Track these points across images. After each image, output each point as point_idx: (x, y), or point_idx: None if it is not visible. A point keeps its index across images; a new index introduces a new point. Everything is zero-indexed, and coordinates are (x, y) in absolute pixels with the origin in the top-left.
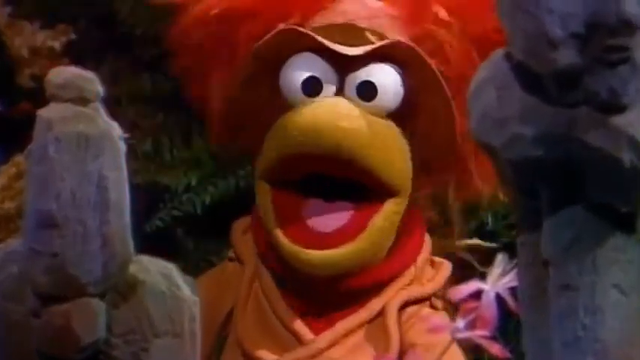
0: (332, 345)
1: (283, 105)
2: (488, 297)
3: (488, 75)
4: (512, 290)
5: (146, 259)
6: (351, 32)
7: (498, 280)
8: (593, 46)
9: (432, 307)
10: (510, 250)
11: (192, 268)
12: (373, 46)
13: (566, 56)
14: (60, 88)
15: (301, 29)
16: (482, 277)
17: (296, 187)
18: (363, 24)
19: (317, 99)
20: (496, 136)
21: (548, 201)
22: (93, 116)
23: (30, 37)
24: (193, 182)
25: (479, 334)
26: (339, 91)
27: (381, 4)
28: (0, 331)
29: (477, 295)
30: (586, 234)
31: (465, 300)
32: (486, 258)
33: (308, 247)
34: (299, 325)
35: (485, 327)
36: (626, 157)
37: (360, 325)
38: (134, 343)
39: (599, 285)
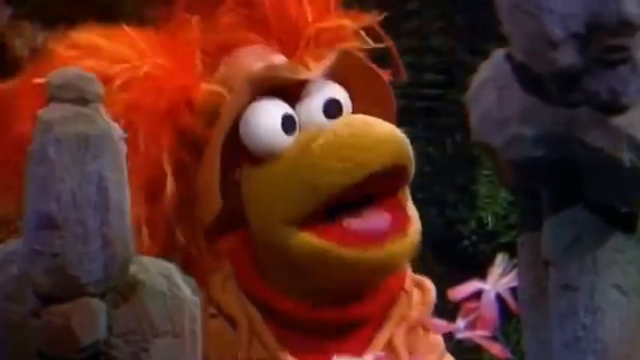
0: None
1: (248, 159)
2: (489, 297)
3: (489, 75)
4: (513, 290)
5: (146, 260)
6: (286, 67)
7: (499, 280)
8: (593, 46)
9: (424, 327)
10: (510, 250)
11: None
12: (327, 62)
13: (567, 56)
14: (60, 89)
15: (267, 72)
16: (483, 277)
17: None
18: (277, 61)
19: (292, 136)
20: (496, 136)
21: (548, 201)
22: (93, 117)
23: (30, 38)
24: None
25: (479, 334)
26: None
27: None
28: (0, 331)
29: (477, 295)
30: (586, 234)
31: (465, 300)
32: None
33: (367, 249)
34: None
35: (486, 327)
36: (626, 157)
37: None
38: (134, 343)
39: (599, 285)
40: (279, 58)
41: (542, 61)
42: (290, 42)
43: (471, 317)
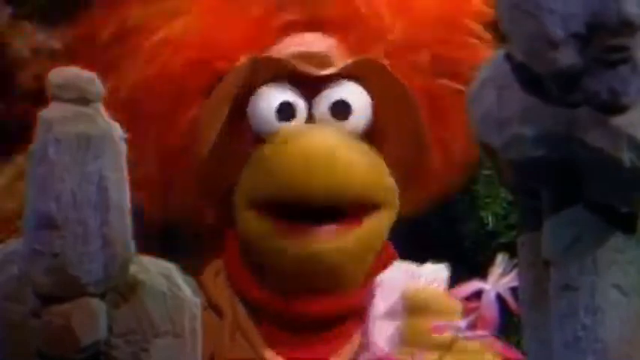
0: None
1: (251, 137)
2: (489, 297)
3: (489, 75)
4: (513, 290)
5: (146, 259)
6: (314, 57)
7: (499, 280)
8: (593, 46)
9: None
10: (510, 250)
11: (193, 268)
12: (346, 64)
13: (567, 56)
14: (60, 88)
15: (273, 56)
16: (483, 277)
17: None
18: (314, 49)
19: (291, 124)
20: (496, 136)
21: (548, 201)
22: (93, 116)
23: (30, 38)
24: None
25: (480, 334)
26: (309, 115)
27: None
28: (0, 331)
29: (478, 294)
30: (586, 234)
31: (465, 300)
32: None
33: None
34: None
35: (487, 327)
36: (627, 157)
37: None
38: (134, 343)
39: (600, 285)
40: (328, 46)
41: (542, 61)
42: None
43: (472, 317)
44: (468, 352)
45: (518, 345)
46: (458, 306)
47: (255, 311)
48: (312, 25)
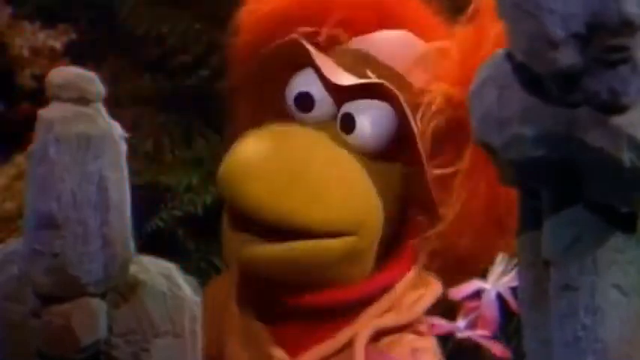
0: None
1: (284, 112)
2: (489, 296)
3: (489, 75)
4: (513, 290)
5: (146, 259)
6: (362, 62)
7: (499, 280)
8: (593, 46)
9: (416, 333)
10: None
11: (193, 268)
12: (360, 82)
13: (567, 56)
14: (61, 88)
15: (303, 43)
16: (483, 276)
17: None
18: (381, 58)
19: (309, 116)
20: (497, 136)
21: (548, 201)
22: (94, 116)
23: (31, 37)
24: (194, 182)
25: (480, 334)
26: (334, 117)
27: (425, 49)
28: (0, 331)
29: (478, 294)
30: (586, 234)
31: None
32: None
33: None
34: (280, 354)
35: (487, 327)
36: (627, 157)
37: (330, 355)
38: (135, 343)
39: (600, 285)
40: (415, 51)
41: (542, 61)
42: None
43: (472, 316)
44: None
45: (518, 345)
46: None
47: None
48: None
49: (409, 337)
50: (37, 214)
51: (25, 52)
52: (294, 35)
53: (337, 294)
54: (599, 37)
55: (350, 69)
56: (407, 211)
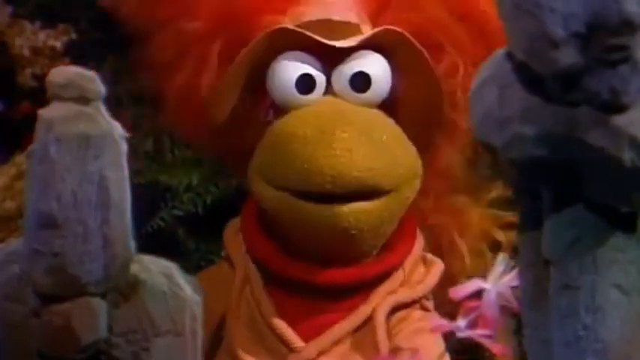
0: (321, 353)
1: (272, 107)
2: (490, 296)
3: (490, 74)
4: (513, 290)
5: (147, 259)
6: (336, 26)
7: (499, 280)
8: (594, 45)
9: (423, 308)
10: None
11: (194, 267)
12: (365, 36)
13: (568, 56)
14: (61, 88)
15: (292, 27)
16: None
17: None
18: (337, 18)
19: (310, 96)
20: (497, 135)
21: (549, 201)
22: (94, 116)
23: (31, 37)
24: (194, 182)
25: (480, 334)
26: (328, 86)
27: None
28: (0, 331)
29: (478, 294)
30: (587, 234)
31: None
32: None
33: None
34: (289, 333)
35: (487, 326)
36: (627, 157)
37: (349, 333)
38: (135, 342)
39: (600, 285)
40: (350, 16)
41: (542, 61)
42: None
43: (472, 316)
44: None
45: (518, 345)
46: None
47: (266, 272)
48: None
49: (417, 314)
50: (37, 214)
51: (26, 52)
52: (282, 25)
53: (356, 272)
54: (599, 36)
55: (328, 36)
56: None
